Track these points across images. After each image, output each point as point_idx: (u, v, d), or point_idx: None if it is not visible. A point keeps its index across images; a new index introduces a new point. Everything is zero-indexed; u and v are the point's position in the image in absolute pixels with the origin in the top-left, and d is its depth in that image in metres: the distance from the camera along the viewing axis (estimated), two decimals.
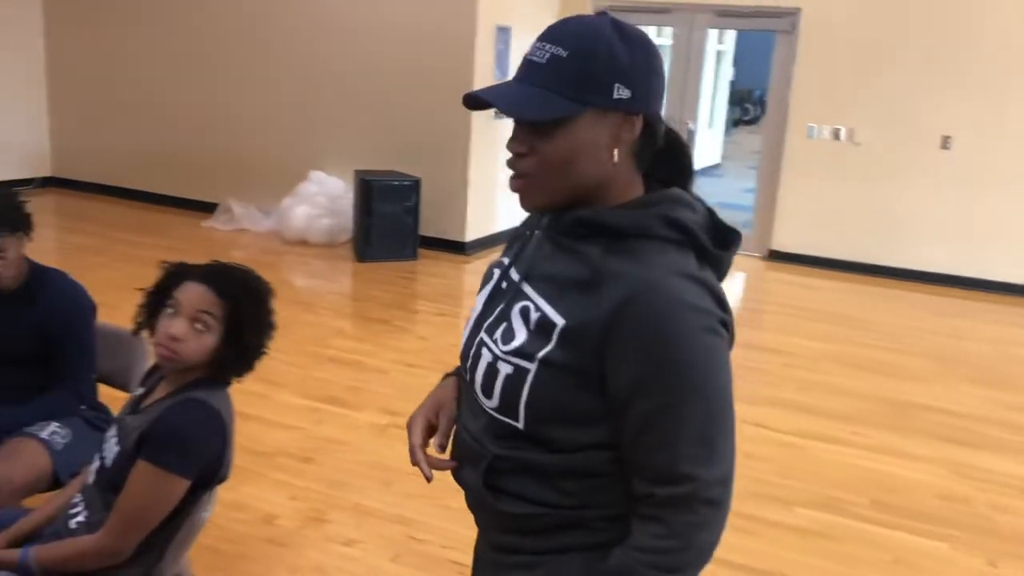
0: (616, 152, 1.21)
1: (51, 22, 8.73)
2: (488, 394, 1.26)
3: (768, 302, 6.84)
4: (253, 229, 7.70)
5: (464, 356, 1.35)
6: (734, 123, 20.66)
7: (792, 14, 7.38)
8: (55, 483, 2.37)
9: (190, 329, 1.81)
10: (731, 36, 16.23)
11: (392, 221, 6.84)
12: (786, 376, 4.91)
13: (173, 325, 1.80)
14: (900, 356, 5.40)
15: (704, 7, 7.73)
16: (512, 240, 1.41)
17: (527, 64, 1.21)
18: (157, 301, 1.87)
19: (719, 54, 15.78)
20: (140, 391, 1.97)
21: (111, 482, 1.82)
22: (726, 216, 1.31)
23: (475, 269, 6.90)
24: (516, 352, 1.22)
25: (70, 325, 2.48)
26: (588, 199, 1.23)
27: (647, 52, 1.21)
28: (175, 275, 1.88)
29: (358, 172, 7.08)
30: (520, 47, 7.35)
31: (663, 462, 1.17)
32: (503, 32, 7.14)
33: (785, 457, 3.87)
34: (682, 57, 8.04)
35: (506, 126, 7.56)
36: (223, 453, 1.87)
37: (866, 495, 3.55)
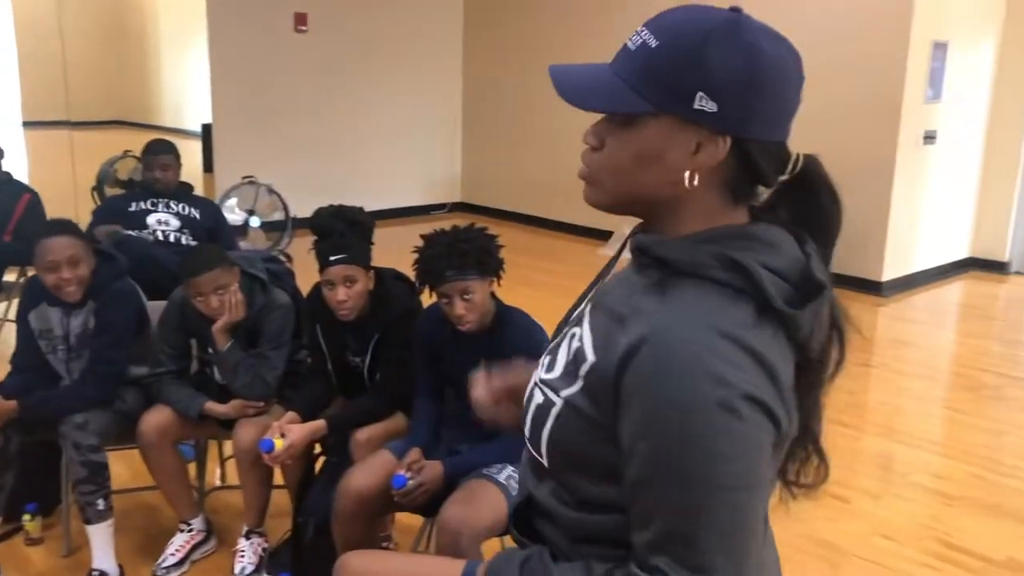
0: (692, 175, 1.00)
1: (468, 67, 9.40)
2: (526, 422, 1.15)
3: None
4: None
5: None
6: None
7: None
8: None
9: None
10: None
11: None
12: None
13: None
14: None
15: None
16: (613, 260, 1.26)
17: (621, 49, 1.04)
18: None
19: None
20: None
21: None
22: None
23: (892, 313, 6.17)
24: (548, 383, 1.11)
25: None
26: (654, 217, 1.06)
27: (756, 66, 0.98)
28: None
29: None
30: (957, 66, 6.50)
31: (639, 543, 0.99)
32: (939, 48, 6.33)
33: None
34: None
35: (939, 152, 6.70)
36: None
37: None
